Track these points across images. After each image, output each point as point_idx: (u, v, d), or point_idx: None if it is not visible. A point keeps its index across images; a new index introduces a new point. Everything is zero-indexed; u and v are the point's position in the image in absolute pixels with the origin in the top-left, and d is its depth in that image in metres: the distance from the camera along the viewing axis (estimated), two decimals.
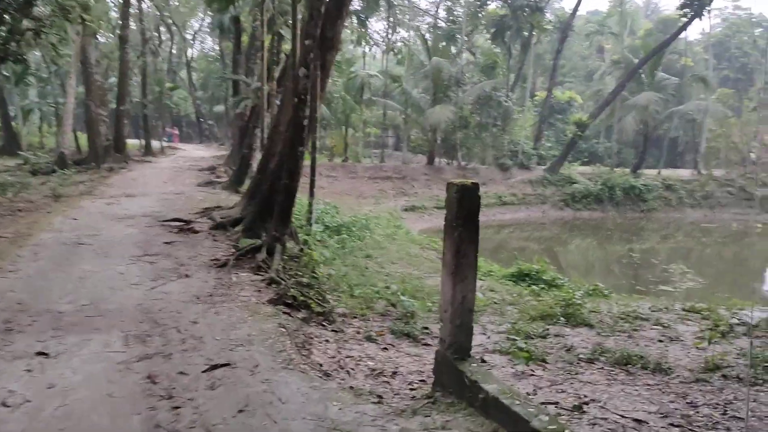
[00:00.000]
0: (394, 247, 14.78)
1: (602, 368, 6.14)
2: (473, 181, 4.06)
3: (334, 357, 5.16)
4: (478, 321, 7.87)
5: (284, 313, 6.08)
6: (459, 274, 3.97)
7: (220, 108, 42.49)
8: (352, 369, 4.98)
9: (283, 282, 6.67)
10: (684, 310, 9.44)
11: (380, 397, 4.34)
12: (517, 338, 7.06)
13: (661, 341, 7.45)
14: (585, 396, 5.12)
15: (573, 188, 32.12)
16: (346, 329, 6.60)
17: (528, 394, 5.12)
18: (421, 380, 5.10)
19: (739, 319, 8.66)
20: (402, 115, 34.10)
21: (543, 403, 4.82)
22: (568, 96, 43.25)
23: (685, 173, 37.38)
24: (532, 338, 7.15)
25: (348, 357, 5.32)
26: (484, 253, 20.46)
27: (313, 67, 8.08)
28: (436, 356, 4.28)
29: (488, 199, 30.37)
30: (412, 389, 4.81)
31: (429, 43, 33.83)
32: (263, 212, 9.17)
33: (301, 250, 8.62)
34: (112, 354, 4.94)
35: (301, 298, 6.55)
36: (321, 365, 4.83)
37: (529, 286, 11.81)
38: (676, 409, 4.97)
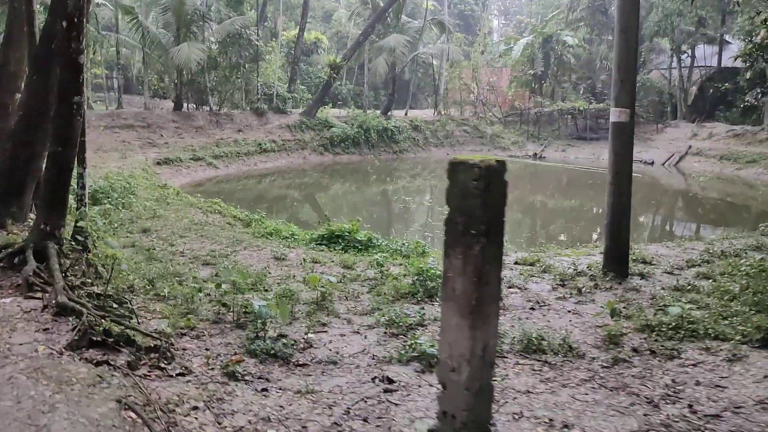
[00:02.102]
0: (171, 214, 12.27)
1: (519, 363, 5.17)
2: (498, 158, 2.50)
3: None
4: (335, 311, 6.39)
5: (99, 362, 3.85)
6: (480, 313, 2.45)
7: None
8: None
9: (82, 307, 4.31)
10: (516, 263, 9.12)
11: None
12: (402, 336, 5.76)
13: (533, 309, 6.84)
14: (551, 420, 4.04)
15: (331, 132, 31.56)
16: (190, 363, 4.59)
17: None
18: None
19: (575, 270, 8.54)
20: (139, 53, 29.61)
21: None
22: (314, 36, 42.21)
23: (427, 114, 39.44)
24: (413, 329, 5.93)
25: (238, 430, 3.44)
26: (243, 204, 18.82)
27: None
28: None
29: (248, 147, 28.32)
30: None
31: None
32: (7, 193, 6.27)
33: (77, 241, 6.06)
34: None
35: (117, 329, 4.32)
36: None
37: (344, 250, 10.60)
38: (646, 415, 4.18)
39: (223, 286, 6.36)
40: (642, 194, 27.24)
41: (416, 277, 7.41)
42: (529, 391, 4.55)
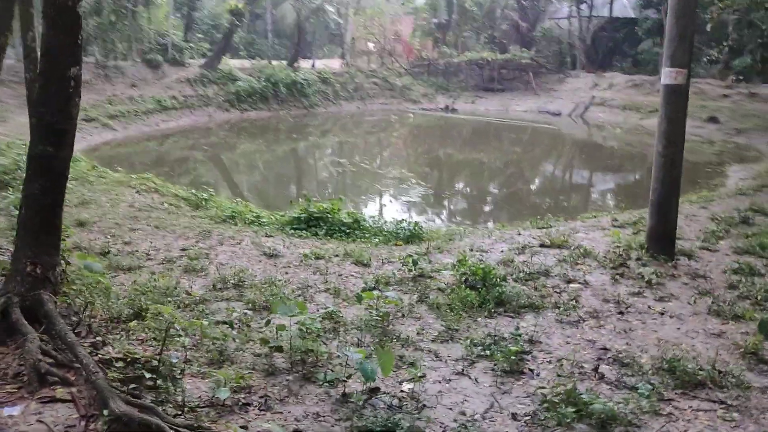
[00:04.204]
0: (101, 196, 10.04)
1: (693, 408, 4.11)
2: None
3: None
4: (410, 340, 5.02)
5: None
6: None
7: None
8: None
9: (152, 415, 2.62)
10: (542, 245, 8.09)
11: None
12: (518, 373, 4.51)
13: (621, 313, 5.83)
14: None
15: (236, 86, 28.80)
16: None
17: None
18: None
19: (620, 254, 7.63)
20: None
21: None
22: None
23: (334, 65, 37.28)
24: (522, 359, 4.70)
25: None
26: (143, 168, 16.48)
27: None
28: None
29: (146, 105, 25.16)
30: None
31: None
32: None
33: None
34: None
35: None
36: None
37: (328, 235, 9.08)
38: None
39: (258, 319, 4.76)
40: (561, 147, 27.48)
41: (466, 278, 6.18)
42: None
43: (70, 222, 8.31)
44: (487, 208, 15.54)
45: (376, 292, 5.41)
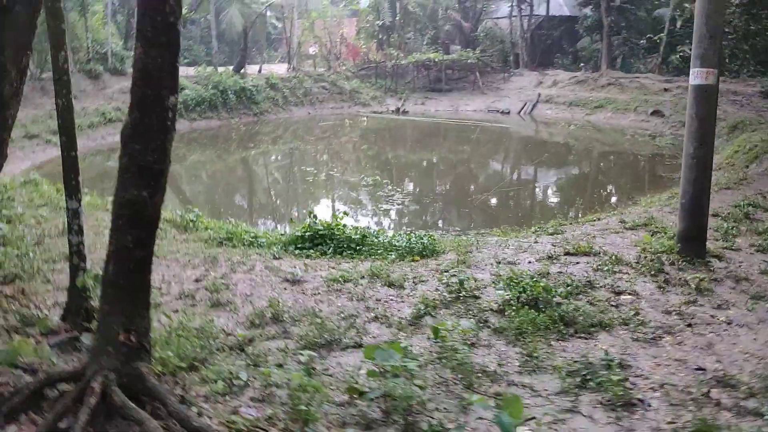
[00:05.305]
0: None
1: None
2: None
3: None
4: (492, 371, 4.61)
5: None
6: None
7: None
8: None
9: None
10: (567, 253, 7.83)
11: None
12: (629, 405, 4.18)
13: (690, 326, 5.61)
14: None
15: (184, 95, 27.53)
16: None
17: None
18: None
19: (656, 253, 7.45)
20: None
21: None
22: None
23: (279, 70, 36.38)
24: (626, 388, 4.37)
25: None
26: (87, 184, 15.41)
27: None
28: None
29: (90, 118, 23.68)
30: None
31: None
32: None
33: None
34: None
35: None
36: None
37: (337, 253, 8.55)
38: None
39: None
40: (519, 146, 27.65)
41: (520, 294, 5.83)
42: None
43: (59, 255, 7.50)
44: (473, 213, 15.26)
45: (448, 323, 4.96)
